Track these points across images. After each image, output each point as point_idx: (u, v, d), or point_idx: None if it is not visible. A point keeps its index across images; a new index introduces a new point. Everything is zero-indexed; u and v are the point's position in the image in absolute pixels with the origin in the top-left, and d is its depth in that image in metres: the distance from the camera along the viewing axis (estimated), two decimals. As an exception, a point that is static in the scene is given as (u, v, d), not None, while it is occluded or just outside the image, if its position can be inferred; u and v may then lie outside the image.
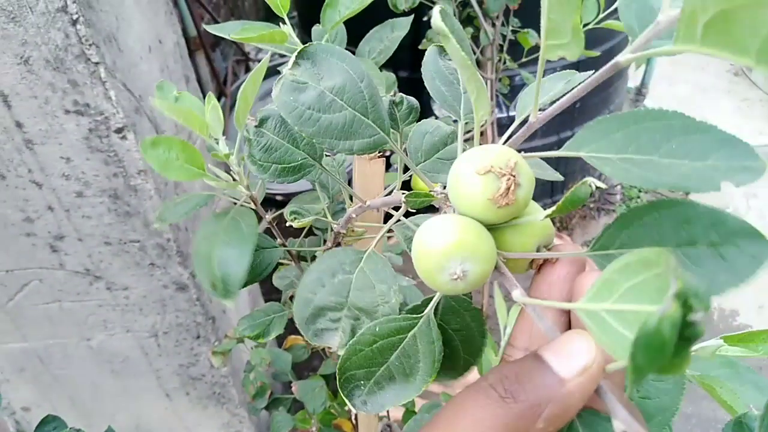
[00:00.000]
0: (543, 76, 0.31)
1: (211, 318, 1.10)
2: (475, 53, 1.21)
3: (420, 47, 1.16)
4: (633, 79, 2.63)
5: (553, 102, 0.29)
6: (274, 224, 0.50)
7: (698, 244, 0.23)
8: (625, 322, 0.20)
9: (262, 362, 0.82)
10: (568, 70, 0.35)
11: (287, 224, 0.45)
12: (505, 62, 1.22)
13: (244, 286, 0.39)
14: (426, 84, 0.34)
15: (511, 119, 1.83)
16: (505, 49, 1.20)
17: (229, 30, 0.48)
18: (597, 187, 0.26)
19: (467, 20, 1.17)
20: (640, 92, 2.57)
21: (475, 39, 1.17)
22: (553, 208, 0.27)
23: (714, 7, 0.18)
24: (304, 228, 0.48)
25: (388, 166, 0.56)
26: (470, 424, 0.26)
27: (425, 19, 1.13)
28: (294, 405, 0.87)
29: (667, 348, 0.17)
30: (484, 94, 0.27)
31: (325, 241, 0.52)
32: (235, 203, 0.42)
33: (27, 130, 0.80)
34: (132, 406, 1.27)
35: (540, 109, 0.29)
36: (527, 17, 1.20)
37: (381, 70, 0.61)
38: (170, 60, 1.01)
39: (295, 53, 0.30)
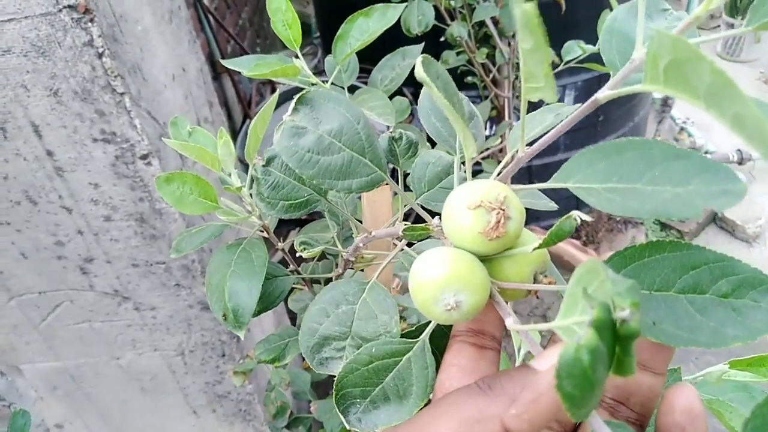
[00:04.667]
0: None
1: (236, 337, 1.12)
2: (491, 72, 1.22)
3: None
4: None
5: (546, 132, 0.30)
6: (287, 251, 0.51)
7: (706, 293, 0.23)
8: None
9: (281, 382, 0.83)
10: (557, 104, 0.36)
11: (297, 254, 0.46)
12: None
13: (257, 315, 0.41)
14: (422, 121, 0.35)
15: (532, 134, 1.84)
16: (522, 67, 1.20)
17: (243, 66, 0.50)
18: (584, 221, 0.26)
19: (483, 40, 1.18)
20: (665, 103, 2.54)
21: (492, 58, 1.18)
22: (540, 241, 0.27)
23: (668, 55, 0.19)
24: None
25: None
26: (447, 408, 0.27)
27: (442, 39, 1.14)
28: (314, 424, 0.88)
29: (589, 374, 0.17)
30: (469, 135, 0.28)
31: (337, 265, 0.53)
32: (250, 233, 0.44)
33: (57, 158, 0.84)
34: (161, 423, 1.30)
35: (529, 143, 0.30)
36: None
37: (396, 95, 0.63)
38: (194, 87, 1.04)
39: (294, 100, 0.31)
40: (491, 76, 1.22)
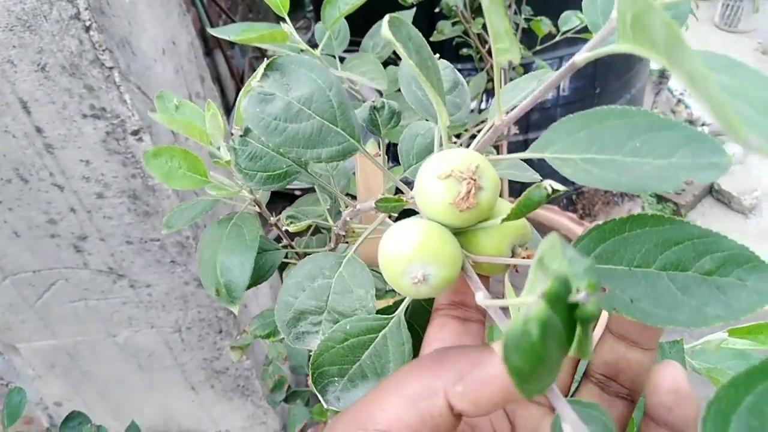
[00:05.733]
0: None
1: (233, 313, 1.12)
2: (487, 43, 1.20)
3: (432, 39, 1.16)
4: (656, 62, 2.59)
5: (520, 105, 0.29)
6: (281, 225, 0.51)
7: (689, 271, 0.22)
8: None
9: (279, 356, 0.83)
10: (542, 70, 0.35)
11: (284, 227, 0.46)
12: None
13: (248, 288, 0.40)
14: (402, 89, 0.34)
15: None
16: (518, 37, 1.19)
17: (230, 32, 0.48)
18: (555, 190, 0.25)
19: (479, 10, 1.16)
20: (663, 74, 2.52)
21: (487, 29, 1.16)
22: (509, 212, 0.26)
23: (630, 10, 0.18)
24: (309, 228, 0.49)
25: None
26: (395, 384, 0.26)
27: (437, 10, 1.13)
28: (312, 398, 0.88)
29: (538, 348, 0.17)
30: (441, 101, 0.27)
31: (331, 240, 0.53)
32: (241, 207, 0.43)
33: (47, 135, 0.82)
34: (159, 399, 1.30)
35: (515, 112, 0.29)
36: (540, 5, 1.18)
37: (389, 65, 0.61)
38: (185, 61, 1.03)
39: (263, 65, 0.30)
40: (487, 47, 1.20)
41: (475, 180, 0.26)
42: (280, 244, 0.50)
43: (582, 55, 0.24)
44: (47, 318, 1.11)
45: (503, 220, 0.27)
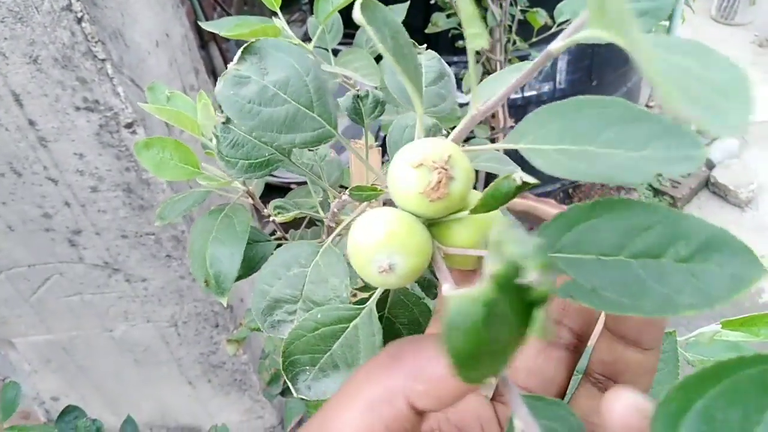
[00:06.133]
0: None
1: (229, 307, 1.12)
2: (483, 35, 1.19)
3: (426, 31, 1.15)
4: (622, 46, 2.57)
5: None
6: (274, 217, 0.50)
7: (662, 257, 0.21)
8: None
9: (275, 349, 0.83)
10: (524, 62, 0.34)
11: (271, 218, 0.45)
12: (515, 43, 1.21)
13: (238, 279, 0.40)
14: (385, 78, 0.34)
15: (525, 99, 1.81)
16: (514, 29, 1.19)
17: (222, 27, 0.48)
18: (525, 182, 0.24)
19: (475, 1, 1.16)
20: (660, 67, 2.51)
21: (483, 20, 1.16)
22: (476, 203, 0.26)
23: None
24: (303, 220, 0.49)
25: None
26: (355, 388, 0.24)
27: (432, 1, 1.12)
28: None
29: (481, 329, 0.16)
30: (415, 89, 0.26)
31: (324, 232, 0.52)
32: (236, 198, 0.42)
33: (40, 128, 0.82)
34: (156, 394, 1.30)
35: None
36: (536, -4, 1.18)
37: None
38: (178, 53, 1.02)
39: (241, 49, 0.30)
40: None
41: (446, 170, 0.25)
42: (274, 237, 0.50)
43: (557, 44, 0.23)
44: (43, 312, 1.11)
45: (471, 212, 0.26)
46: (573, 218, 0.23)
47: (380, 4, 0.25)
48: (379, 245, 0.26)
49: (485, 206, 0.25)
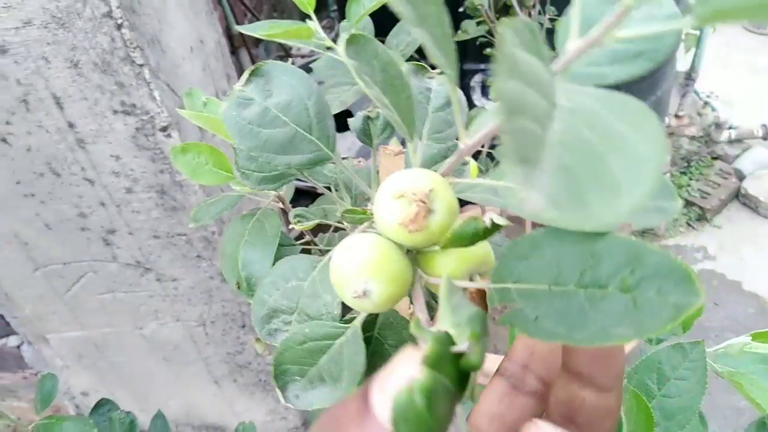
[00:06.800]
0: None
1: (256, 308, 1.14)
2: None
3: (455, 39, 1.15)
4: (682, 63, 2.55)
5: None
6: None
7: (608, 288, 0.20)
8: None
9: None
10: None
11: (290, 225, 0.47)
12: (544, 51, 1.20)
13: (268, 282, 0.41)
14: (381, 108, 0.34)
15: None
16: (542, 37, 1.18)
17: (257, 29, 0.49)
18: (495, 224, 0.24)
19: (503, 10, 1.16)
20: (689, 76, 2.48)
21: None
22: (445, 240, 0.26)
23: None
24: (330, 226, 0.50)
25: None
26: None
27: (461, 9, 1.13)
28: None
29: (425, 416, 0.17)
30: (401, 124, 0.27)
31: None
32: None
33: (79, 130, 0.85)
34: (183, 392, 1.33)
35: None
36: (563, 5, 1.18)
37: (415, 62, 0.62)
38: (212, 59, 1.04)
39: (248, 70, 0.31)
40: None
41: (425, 203, 0.25)
42: (302, 240, 0.51)
43: (556, 66, 0.23)
44: (76, 309, 1.14)
45: (442, 247, 0.27)
46: (526, 246, 0.22)
47: (370, 37, 0.25)
48: (356, 270, 0.27)
49: (453, 243, 0.26)
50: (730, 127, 2.43)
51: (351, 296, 0.27)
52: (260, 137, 0.31)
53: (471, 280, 0.29)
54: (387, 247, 0.27)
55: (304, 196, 1.30)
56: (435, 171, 0.28)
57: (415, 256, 0.29)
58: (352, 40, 0.24)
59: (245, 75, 0.32)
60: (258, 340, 0.85)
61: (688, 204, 2.22)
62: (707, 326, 1.81)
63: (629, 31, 0.20)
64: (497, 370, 0.29)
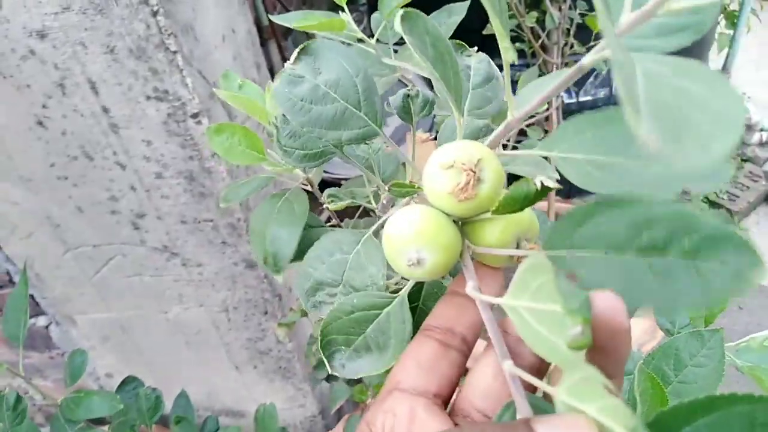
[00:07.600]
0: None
1: (278, 295, 1.16)
2: (540, 38, 1.20)
3: (484, 32, 1.16)
4: (715, 63, 2.51)
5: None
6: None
7: (668, 254, 0.20)
8: (539, 319, 0.20)
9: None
10: (564, 69, 0.35)
11: (324, 205, 0.48)
12: (572, 46, 1.21)
13: (292, 261, 0.42)
14: (433, 83, 0.35)
15: (580, 104, 1.79)
16: (572, 33, 1.19)
17: (291, 19, 0.51)
18: (545, 187, 0.25)
19: (533, 4, 1.16)
20: (722, 76, 2.44)
21: (541, 23, 1.16)
22: (497, 205, 0.27)
23: None
24: (357, 209, 0.51)
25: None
26: None
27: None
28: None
29: None
30: (452, 96, 0.27)
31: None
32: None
33: (113, 115, 0.87)
34: (204, 376, 1.35)
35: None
36: None
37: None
38: (242, 48, 1.06)
39: (298, 49, 0.32)
40: (540, 41, 1.20)
41: (475, 172, 0.27)
42: (329, 224, 0.52)
43: (588, 59, 0.24)
44: (104, 291, 1.17)
45: (493, 212, 0.27)
46: (581, 215, 0.22)
47: (422, 13, 0.26)
48: (410, 240, 0.28)
49: (505, 208, 0.27)
50: (761, 129, 2.39)
51: (405, 264, 0.28)
52: (311, 113, 0.32)
53: (518, 246, 0.30)
54: (438, 218, 0.28)
55: (325, 186, 1.31)
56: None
57: (461, 226, 0.30)
58: (405, 17, 0.25)
59: (295, 53, 0.33)
60: (280, 324, 0.86)
61: (715, 205, 2.20)
62: (731, 329, 1.79)
63: (684, 1, 0.21)
64: (487, 345, 0.29)
